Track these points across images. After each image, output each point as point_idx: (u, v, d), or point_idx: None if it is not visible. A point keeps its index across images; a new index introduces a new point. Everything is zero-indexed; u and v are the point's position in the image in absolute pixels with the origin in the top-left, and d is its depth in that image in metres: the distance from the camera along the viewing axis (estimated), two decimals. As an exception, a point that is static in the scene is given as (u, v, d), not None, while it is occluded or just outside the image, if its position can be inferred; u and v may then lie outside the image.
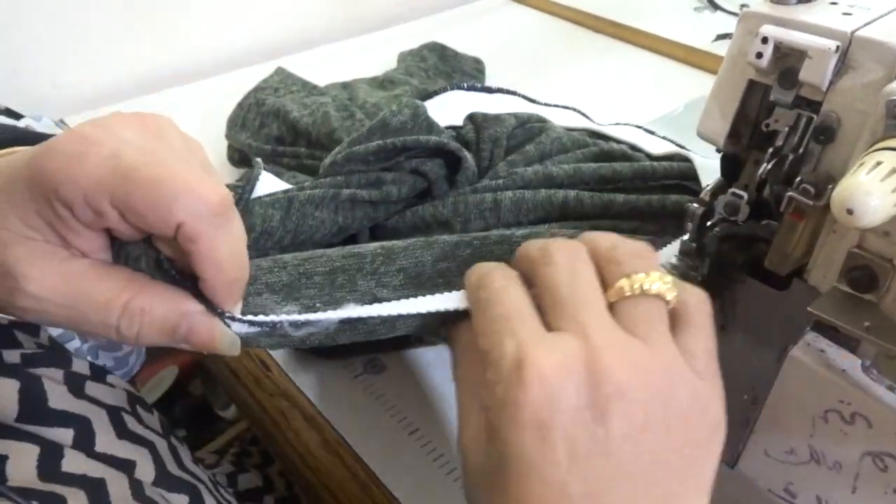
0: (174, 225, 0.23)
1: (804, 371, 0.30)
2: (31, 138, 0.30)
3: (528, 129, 0.50)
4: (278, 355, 0.46)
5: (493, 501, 0.24)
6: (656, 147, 0.50)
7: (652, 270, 0.26)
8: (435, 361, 0.45)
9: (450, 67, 0.76)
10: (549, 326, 0.25)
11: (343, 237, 0.41)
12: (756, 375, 0.33)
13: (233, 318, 0.27)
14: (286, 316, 0.29)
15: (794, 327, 0.30)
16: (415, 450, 0.40)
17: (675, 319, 0.26)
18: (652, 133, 0.54)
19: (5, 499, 0.24)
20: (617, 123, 0.57)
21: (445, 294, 0.32)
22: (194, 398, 0.96)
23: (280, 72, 0.69)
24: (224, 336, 0.27)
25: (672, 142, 0.51)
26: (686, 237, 0.35)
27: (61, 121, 0.42)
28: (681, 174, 0.46)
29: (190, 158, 0.26)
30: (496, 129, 0.48)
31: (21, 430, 0.27)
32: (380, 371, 0.45)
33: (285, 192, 0.38)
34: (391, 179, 0.42)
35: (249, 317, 0.28)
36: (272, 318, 0.28)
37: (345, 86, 0.68)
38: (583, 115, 0.58)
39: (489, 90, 0.56)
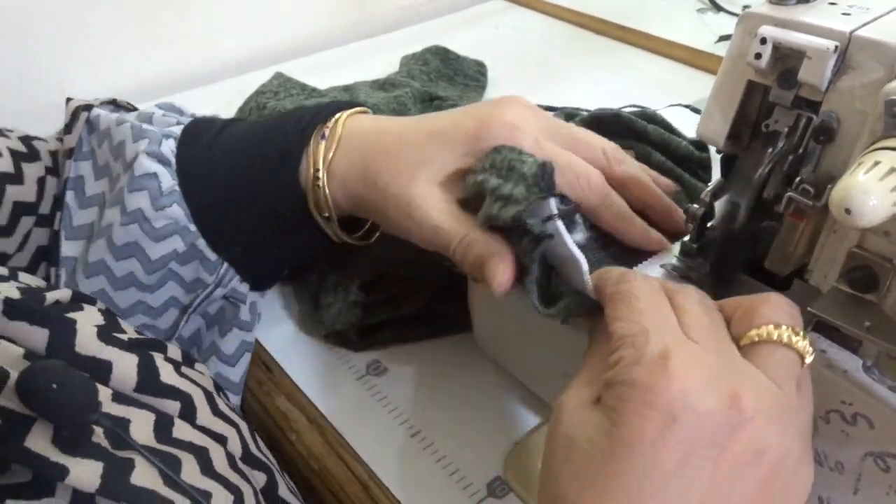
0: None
1: (805, 372, 0.30)
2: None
3: None
4: (281, 357, 0.46)
5: (580, 468, 0.24)
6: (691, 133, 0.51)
7: (800, 328, 0.26)
8: (437, 363, 0.46)
9: (452, 70, 0.76)
10: None
11: None
12: (757, 376, 0.33)
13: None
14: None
15: (795, 328, 0.30)
16: (416, 452, 0.40)
17: None
18: (699, 112, 0.54)
19: (137, 453, 0.27)
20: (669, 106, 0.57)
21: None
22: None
23: (279, 76, 0.69)
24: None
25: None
26: (687, 238, 0.35)
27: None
28: (699, 163, 0.47)
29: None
30: None
31: (138, 399, 0.30)
32: (382, 373, 0.45)
33: None
34: None
35: None
36: None
37: (346, 88, 0.68)
38: None
39: None
